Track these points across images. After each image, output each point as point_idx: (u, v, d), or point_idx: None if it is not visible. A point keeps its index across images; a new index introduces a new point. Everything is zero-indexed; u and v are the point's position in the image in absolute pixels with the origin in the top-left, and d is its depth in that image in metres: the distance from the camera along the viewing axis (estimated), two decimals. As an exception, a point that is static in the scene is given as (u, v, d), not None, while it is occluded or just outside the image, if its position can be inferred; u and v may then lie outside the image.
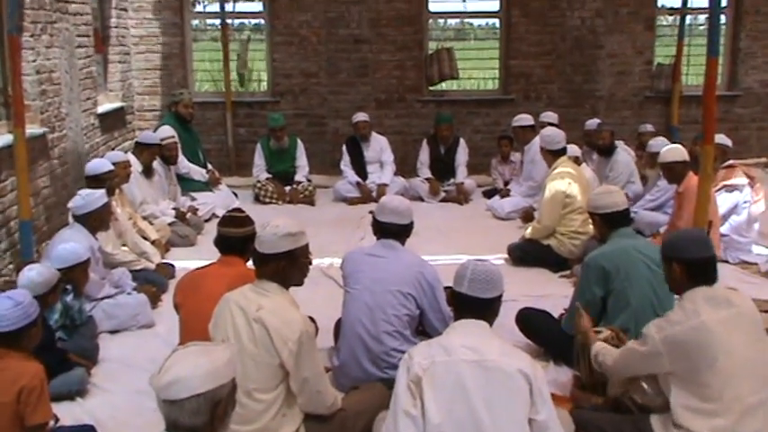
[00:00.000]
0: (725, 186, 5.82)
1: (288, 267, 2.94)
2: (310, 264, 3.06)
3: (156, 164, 6.66)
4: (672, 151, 5.58)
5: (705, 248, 2.91)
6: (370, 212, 7.74)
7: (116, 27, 8.37)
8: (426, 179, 8.12)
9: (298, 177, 8.09)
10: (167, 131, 6.93)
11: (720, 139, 5.94)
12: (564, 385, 3.73)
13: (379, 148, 8.23)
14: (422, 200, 7.95)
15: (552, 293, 5.06)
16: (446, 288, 3.24)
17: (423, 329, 3.67)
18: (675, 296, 3.93)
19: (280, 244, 2.92)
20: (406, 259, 3.66)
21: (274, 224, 2.96)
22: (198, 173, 7.48)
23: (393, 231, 3.72)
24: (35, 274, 3.62)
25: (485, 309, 2.67)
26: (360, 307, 3.59)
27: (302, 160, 8.18)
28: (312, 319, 3.41)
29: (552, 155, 5.92)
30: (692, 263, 2.88)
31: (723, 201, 5.73)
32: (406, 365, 2.56)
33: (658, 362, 2.83)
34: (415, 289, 3.57)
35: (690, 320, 2.80)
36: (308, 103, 9.23)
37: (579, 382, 3.60)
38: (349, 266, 3.77)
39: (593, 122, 7.78)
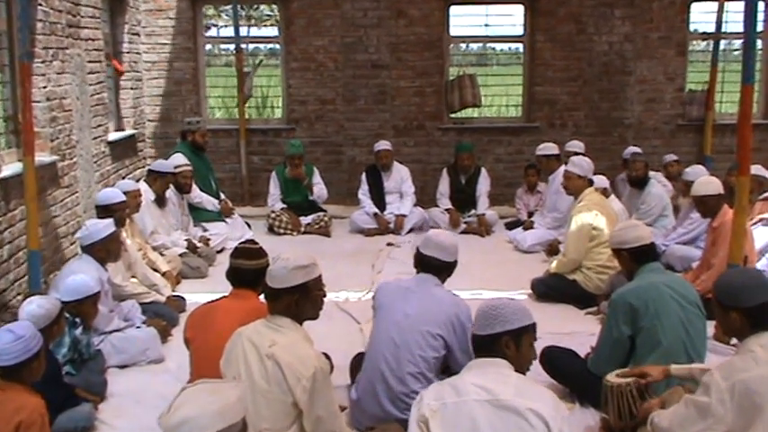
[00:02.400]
0: (761, 220, 5.79)
1: (301, 301, 2.97)
2: (324, 296, 3.09)
3: (170, 193, 6.75)
4: (705, 184, 5.54)
5: (765, 292, 2.84)
6: (389, 244, 7.81)
7: (128, 53, 8.55)
8: (446, 210, 8.16)
9: (316, 191, 8.17)
10: (181, 160, 7.04)
11: (756, 170, 5.92)
12: (591, 430, 3.71)
13: (399, 178, 8.31)
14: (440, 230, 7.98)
15: (578, 331, 5.04)
16: None
17: (447, 367, 3.67)
18: (709, 336, 3.96)
19: (291, 278, 2.95)
20: (442, 298, 3.68)
21: (284, 257, 2.99)
22: (210, 203, 7.57)
23: (434, 266, 3.75)
24: (35, 306, 3.64)
25: (490, 345, 2.68)
26: (386, 342, 3.60)
27: (319, 184, 8.26)
28: (327, 356, 3.43)
29: (582, 182, 5.93)
30: (753, 310, 2.82)
31: (760, 235, 5.68)
32: (417, 406, 2.59)
33: (719, 416, 2.70)
34: (447, 330, 3.57)
35: (760, 367, 2.72)
36: (325, 131, 9.35)
37: (607, 425, 3.58)
38: (382, 297, 3.80)
39: (629, 150, 7.81)
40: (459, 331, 3.57)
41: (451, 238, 3.92)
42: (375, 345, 3.67)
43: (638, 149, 8.01)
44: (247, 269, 3.61)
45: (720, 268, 4.94)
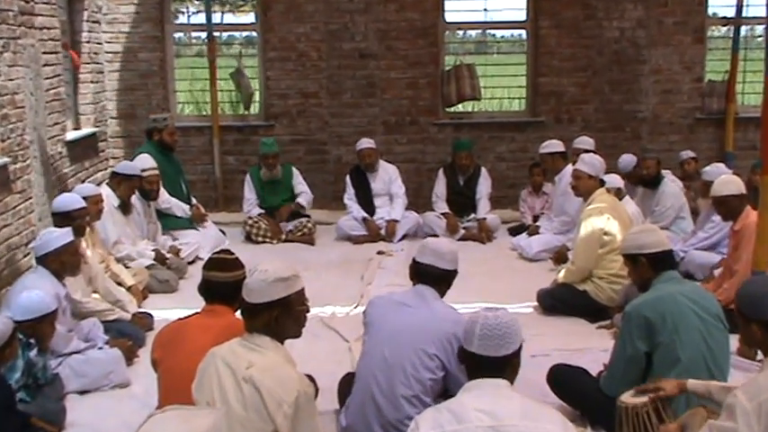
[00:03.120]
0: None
1: (281, 318, 2.96)
2: (308, 312, 3.08)
3: (134, 198, 6.74)
4: (725, 183, 5.56)
5: None
6: (379, 253, 7.81)
7: (88, 42, 8.53)
8: (443, 214, 8.18)
9: (299, 199, 8.18)
10: (148, 161, 7.01)
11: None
12: (604, 455, 3.73)
13: (387, 178, 8.32)
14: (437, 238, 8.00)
15: (589, 347, 5.06)
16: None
17: (446, 391, 3.66)
18: (732, 351, 3.97)
19: (270, 291, 2.94)
20: (439, 313, 3.67)
21: (263, 269, 2.98)
22: (180, 208, 7.56)
23: (432, 276, 3.75)
24: (-17, 327, 3.61)
25: (501, 367, 2.67)
26: (377, 361, 3.60)
27: (302, 186, 8.28)
28: (311, 378, 3.43)
29: (593, 182, 5.94)
30: None
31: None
32: None
33: None
34: (444, 350, 3.55)
35: None
36: (307, 128, 9.35)
37: (621, 451, 3.59)
38: (373, 312, 3.80)
39: (628, 161, 7.66)
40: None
41: (450, 244, 3.94)
42: (365, 365, 3.67)
43: (632, 158, 7.88)
44: (222, 282, 3.61)
45: (743, 275, 4.95)
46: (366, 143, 8.28)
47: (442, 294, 3.79)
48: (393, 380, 3.54)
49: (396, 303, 3.76)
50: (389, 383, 3.55)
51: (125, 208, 6.59)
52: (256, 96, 9.53)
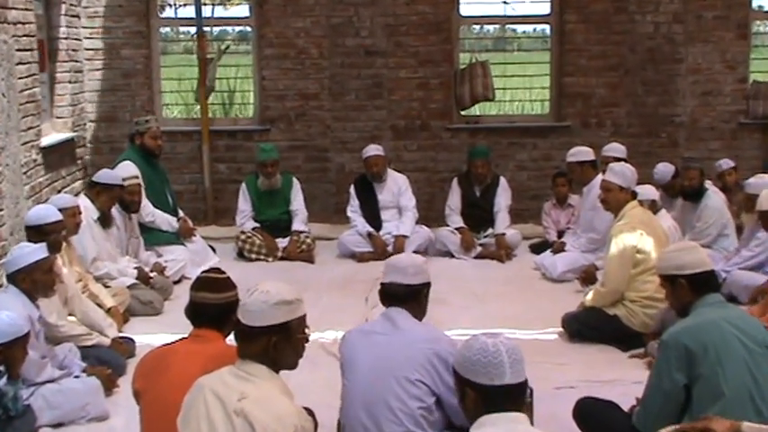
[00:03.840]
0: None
1: (280, 345, 2.96)
2: (307, 341, 3.08)
3: (114, 211, 6.75)
4: (772, 196, 5.58)
5: None
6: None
7: (66, 38, 8.58)
8: (457, 229, 8.18)
9: (295, 226, 8.18)
10: (129, 170, 7.03)
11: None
12: (637, 500, 3.70)
13: (396, 189, 8.34)
14: (451, 256, 8.02)
15: (620, 378, 5.05)
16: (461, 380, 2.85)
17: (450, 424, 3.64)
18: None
19: (271, 315, 2.95)
20: (413, 334, 3.65)
21: (263, 289, 2.99)
22: (166, 222, 7.57)
23: (397, 296, 3.75)
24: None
25: (521, 395, 2.67)
26: (359, 402, 3.57)
27: (298, 203, 8.30)
28: (310, 412, 3.42)
29: (624, 194, 5.93)
30: None
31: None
32: None
33: None
34: (428, 373, 3.53)
35: None
36: (307, 133, 9.38)
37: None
38: (345, 351, 3.79)
39: (665, 171, 7.64)
40: (446, 372, 3.52)
41: (413, 257, 3.98)
42: (347, 411, 3.66)
43: (670, 168, 7.84)
44: (211, 304, 3.61)
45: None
46: (373, 150, 8.30)
47: (418, 314, 3.78)
48: (379, 420, 3.51)
49: (365, 334, 3.77)
50: (376, 424, 3.51)
51: (105, 221, 6.59)
52: (250, 98, 9.54)
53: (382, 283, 3.81)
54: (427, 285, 3.82)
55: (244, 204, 8.22)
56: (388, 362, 3.57)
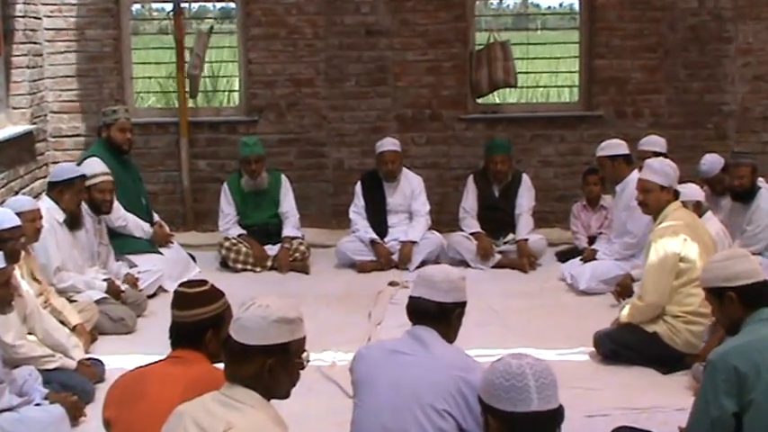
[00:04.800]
0: None
1: (276, 369, 2.94)
2: (302, 368, 3.07)
3: (83, 211, 6.75)
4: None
5: None
6: (392, 284, 7.80)
7: (23, 17, 8.57)
8: (473, 234, 8.20)
9: (286, 231, 8.20)
10: (97, 165, 7.03)
11: None
12: None
13: (410, 191, 8.37)
14: (467, 265, 8.01)
15: (660, 405, 5.04)
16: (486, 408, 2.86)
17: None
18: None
19: (270, 333, 2.93)
20: (444, 358, 3.64)
21: (262, 303, 2.96)
22: (139, 227, 7.59)
23: (427, 313, 3.72)
24: None
25: (555, 426, 2.67)
26: (372, 429, 3.59)
27: (288, 204, 8.29)
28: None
29: (666, 195, 5.94)
30: None
31: None
32: None
33: None
34: (456, 405, 3.51)
35: None
36: (300, 124, 9.40)
37: None
38: (361, 369, 3.77)
39: (713, 162, 7.61)
40: (475, 404, 3.51)
41: (447, 270, 3.88)
42: None
43: (718, 160, 7.81)
44: (193, 320, 3.60)
45: None
46: (390, 145, 8.33)
47: (449, 336, 3.77)
48: None
49: (388, 353, 3.74)
50: None
51: (73, 222, 6.58)
52: (235, 85, 9.54)
53: (411, 297, 3.80)
54: (462, 305, 3.78)
55: (227, 207, 8.23)
56: (413, 386, 3.55)
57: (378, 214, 8.30)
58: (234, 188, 8.25)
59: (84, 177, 6.70)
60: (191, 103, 9.50)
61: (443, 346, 3.71)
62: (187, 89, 9.23)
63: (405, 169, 8.43)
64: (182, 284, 3.86)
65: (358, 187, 8.41)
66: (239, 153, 8.32)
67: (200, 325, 3.55)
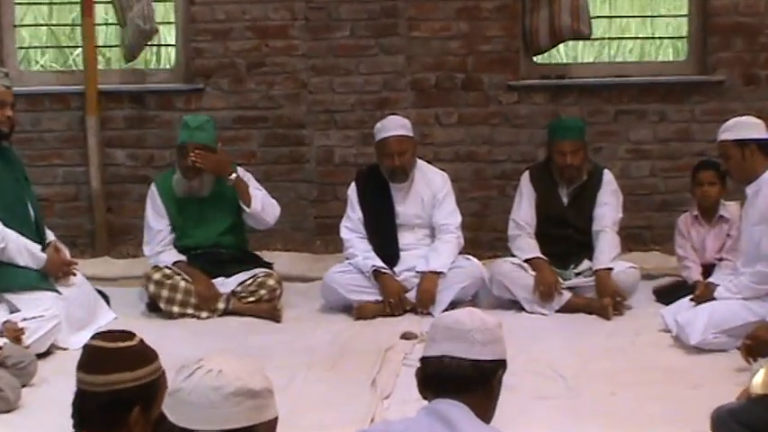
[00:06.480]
0: None
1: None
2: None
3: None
4: None
5: None
6: (406, 336, 7.82)
7: None
8: (530, 262, 8.21)
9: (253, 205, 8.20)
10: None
11: None
12: None
13: (429, 195, 8.37)
14: (520, 308, 8.06)
15: None
16: None
17: None
18: None
19: (226, 413, 2.93)
20: None
21: (213, 367, 2.99)
22: (23, 251, 7.58)
23: (456, 379, 3.74)
24: None
25: None
26: None
27: (256, 206, 8.16)
28: None
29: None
30: None
31: None
32: None
33: None
34: None
35: None
36: (267, 95, 9.46)
37: None
38: None
39: None
40: None
41: (482, 317, 3.87)
42: None
43: None
44: (110, 391, 3.62)
45: None
46: (396, 127, 8.28)
47: (486, 411, 3.78)
48: None
49: None
50: None
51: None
52: (168, 38, 9.58)
53: (428, 358, 3.79)
54: (504, 364, 3.77)
55: (157, 221, 8.24)
56: None
57: (383, 231, 8.32)
58: (164, 192, 8.25)
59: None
60: (101, 64, 9.53)
61: (480, 428, 3.75)
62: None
63: (421, 163, 8.44)
64: (95, 336, 3.87)
65: (351, 191, 8.42)
66: (179, 137, 8.30)
67: (120, 398, 3.52)
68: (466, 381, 3.71)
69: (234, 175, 8.07)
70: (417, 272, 8.18)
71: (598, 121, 9.22)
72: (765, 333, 6.87)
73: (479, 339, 3.71)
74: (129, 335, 3.77)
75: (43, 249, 7.74)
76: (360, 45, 9.44)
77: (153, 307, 8.06)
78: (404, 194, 8.36)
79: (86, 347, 3.76)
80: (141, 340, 3.71)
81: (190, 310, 7.99)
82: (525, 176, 8.50)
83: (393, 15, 9.40)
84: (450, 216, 8.35)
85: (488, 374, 3.73)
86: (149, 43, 9.60)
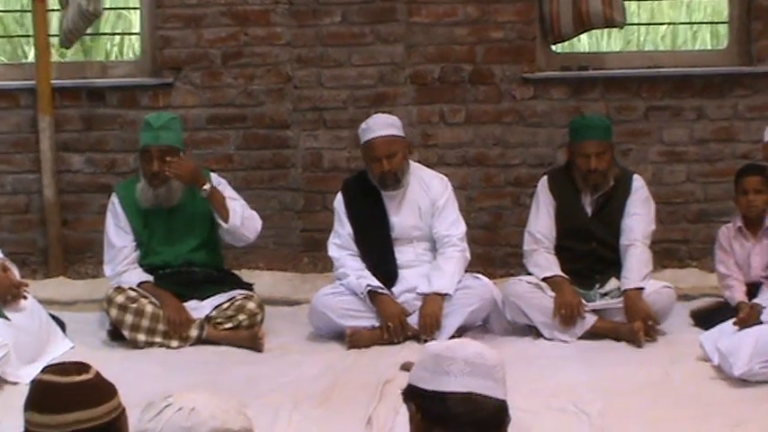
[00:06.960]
0: None
1: None
2: None
3: None
4: None
5: None
6: (406, 368, 7.82)
7: None
8: (548, 281, 8.20)
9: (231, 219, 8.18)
10: None
11: None
12: None
13: (428, 204, 8.37)
14: (538, 335, 8.06)
15: None
16: None
17: None
18: None
19: None
20: None
21: (184, 405, 3.01)
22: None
23: (481, 423, 3.72)
24: None
25: None
26: None
27: (234, 221, 8.13)
28: None
29: None
30: None
31: None
32: None
33: None
34: None
35: None
36: (246, 91, 9.48)
37: None
38: None
39: None
40: None
41: (483, 351, 3.82)
42: None
43: None
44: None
45: None
46: (381, 126, 8.29)
47: None
48: None
49: None
50: None
51: None
52: (134, 25, 9.56)
53: (446, 394, 3.74)
54: (503, 408, 3.75)
55: (119, 236, 8.24)
56: None
57: (377, 247, 8.32)
58: (130, 203, 8.25)
59: None
60: (55, 56, 9.51)
61: None
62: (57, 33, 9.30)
63: (416, 166, 8.44)
64: (46, 370, 3.85)
65: (338, 204, 8.41)
66: (141, 139, 8.29)
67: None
68: (493, 424, 3.69)
69: (208, 185, 8.04)
70: (418, 293, 8.16)
71: (626, 119, 9.24)
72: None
73: (498, 375, 3.70)
74: (83, 367, 3.74)
75: (-10, 269, 7.75)
76: (352, 32, 9.47)
77: (115, 335, 8.03)
78: (398, 204, 8.34)
79: (35, 383, 3.73)
80: (98, 373, 3.69)
81: (158, 339, 7.96)
82: (543, 183, 8.48)
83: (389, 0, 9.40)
84: (452, 226, 8.32)
85: (507, 418, 3.72)
86: (90, 32, 9.56)
